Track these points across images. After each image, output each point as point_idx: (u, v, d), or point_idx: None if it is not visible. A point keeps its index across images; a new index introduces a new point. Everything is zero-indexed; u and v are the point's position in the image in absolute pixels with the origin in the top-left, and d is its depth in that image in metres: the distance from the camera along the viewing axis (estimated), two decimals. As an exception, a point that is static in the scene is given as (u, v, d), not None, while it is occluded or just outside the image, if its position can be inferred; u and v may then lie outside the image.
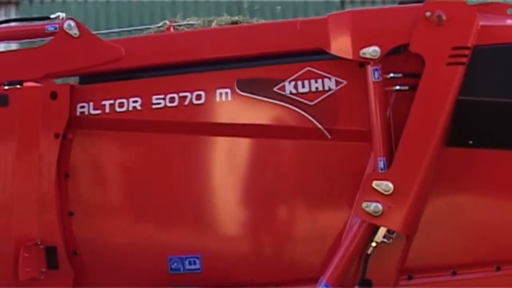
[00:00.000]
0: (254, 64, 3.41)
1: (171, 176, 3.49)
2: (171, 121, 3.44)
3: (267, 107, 3.39)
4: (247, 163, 3.45)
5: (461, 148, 3.30)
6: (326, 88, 3.37)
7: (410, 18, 3.24)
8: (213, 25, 4.13)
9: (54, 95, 3.45)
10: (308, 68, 3.37)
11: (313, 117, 3.37)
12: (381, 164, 3.27)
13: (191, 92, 3.43)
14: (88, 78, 3.54)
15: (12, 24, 3.67)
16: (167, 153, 3.50)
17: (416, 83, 3.26)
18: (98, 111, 3.47)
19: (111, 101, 3.46)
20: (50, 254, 3.44)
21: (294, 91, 3.38)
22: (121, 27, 4.57)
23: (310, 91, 3.37)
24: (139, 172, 3.51)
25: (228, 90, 3.41)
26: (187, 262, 3.46)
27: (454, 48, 3.21)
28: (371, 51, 3.25)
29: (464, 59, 3.21)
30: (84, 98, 3.48)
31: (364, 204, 3.24)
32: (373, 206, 3.22)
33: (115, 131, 3.49)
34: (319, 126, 3.37)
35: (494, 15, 3.36)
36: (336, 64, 3.35)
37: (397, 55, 3.30)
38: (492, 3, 3.44)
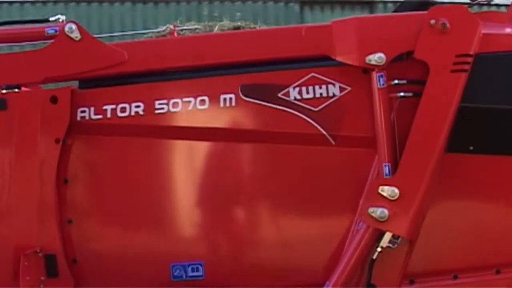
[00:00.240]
0: (258, 69, 3.40)
1: (174, 182, 3.45)
2: (174, 126, 3.42)
3: (271, 113, 3.38)
4: (251, 168, 3.44)
5: (461, 154, 3.36)
6: (331, 94, 3.39)
7: (415, 25, 3.28)
8: (215, 30, 4.11)
9: (54, 99, 3.38)
10: (312, 74, 3.38)
11: (317, 123, 3.38)
12: (386, 170, 3.30)
13: (195, 97, 3.40)
14: (88, 82, 3.48)
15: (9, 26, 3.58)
16: (169, 159, 3.46)
17: (419, 90, 3.30)
18: (100, 116, 3.41)
19: (113, 106, 3.40)
20: (50, 262, 3.36)
21: (298, 97, 3.39)
22: (124, 31, 4.50)
23: (314, 97, 3.38)
24: (140, 178, 3.46)
25: (232, 96, 3.39)
26: (190, 269, 3.43)
27: (458, 56, 3.27)
28: (377, 57, 3.28)
29: (467, 67, 3.26)
30: (85, 102, 3.41)
31: (370, 210, 3.26)
32: (379, 212, 3.25)
33: (117, 136, 3.43)
34: (323, 132, 3.38)
35: (494, 23, 3.44)
36: (340, 70, 3.37)
37: (401, 62, 3.34)
38: (491, 11, 3.52)
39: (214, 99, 3.39)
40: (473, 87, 3.29)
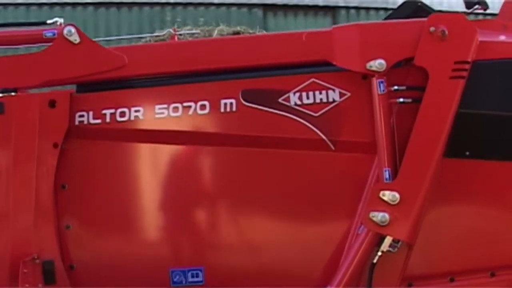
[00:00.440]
0: (259, 74, 3.41)
1: (173, 187, 3.43)
2: (175, 131, 3.40)
3: (272, 118, 3.39)
4: (251, 173, 3.44)
5: (458, 159, 3.42)
6: (330, 99, 3.41)
7: (415, 32, 3.33)
8: (214, 34, 4.09)
9: (52, 103, 3.32)
10: (313, 79, 3.40)
11: (317, 128, 3.40)
12: (386, 175, 3.34)
13: (195, 102, 3.39)
14: (85, 86, 3.43)
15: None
16: (169, 164, 3.44)
17: (418, 96, 3.35)
18: (98, 121, 3.37)
19: (112, 110, 3.36)
20: (48, 269, 3.31)
21: (299, 102, 3.40)
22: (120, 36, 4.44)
23: (314, 102, 3.41)
24: (139, 183, 3.43)
25: (233, 100, 3.39)
26: (189, 274, 3.41)
27: (456, 62, 3.33)
28: (378, 64, 3.32)
29: (464, 73, 3.33)
30: (83, 106, 3.36)
31: (371, 214, 3.29)
32: (381, 216, 3.29)
33: (116, 141, 3.39)
34: (323, 137, 3.40)
35: (488, 31, 3.51)
36: (340, 76, 3.40)
37: (400, 68, 3.39)
38: (486, 19, 3.59)
39: (215, 104, 3.39)
40: (469, 94, 3.36)
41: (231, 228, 3.44)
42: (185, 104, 3.39)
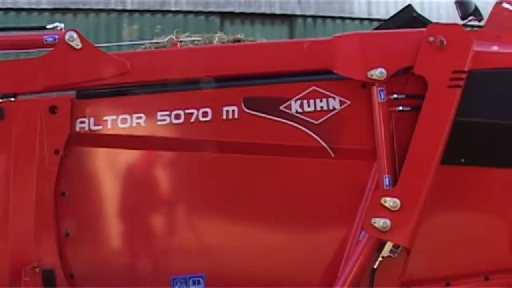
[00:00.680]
0: (261, 82, 3.43)
1: (174, 194, 3.42)
2: (176, 138, 3.39)
3: (273, 125, 3.42)
4: (252, 180, 3.45)
5: (453, 166, 3.51)
6: (331, 107, 3.46)
7: (415, 42, 3.40)
8: (215, 42, 4.09)
9: (53, 109, 3.29)
10: (313, 87, 3.44)
11: (318, 135, 3.44)
12: (386, 182, 3.39)
13: (198, 109, 3.39)
14: (85, 92, 3.39)
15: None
16: (170, 171, 3.43)
17: (417, 104, 3.42)
18: (100, 127, 3.34)
19: (114, 117, 3.34)
20: (48, 278, 3.25)
21: (300, 109, 3.44)
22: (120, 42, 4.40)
23: (315, 110, 3.44)
24: (140, 190, 3.41)
25: (235, 108, 3.40)
26: (191, 281, 3.40)
27: (454, 72, 3.41)
28: (378, 72, 3.38)
29: (461, 82, 3.41)
30: (84, 113, 3.33)
31: (372, 220, 3.34)
32: (382, 222, 3.34)
33: (117, 148, 3.37)
34: (324, 144, 3.44)
35: (482, 42, 3.60)
36: (340, 84, 3.44)
37: (399, 77, 3.45)
38: (479, 30, 3.69)
39: (217, 111, 3.40)
40: (464, 102, 3.45)
41: (232, 235, 3.45)
42: (187, 111, 3.39)
